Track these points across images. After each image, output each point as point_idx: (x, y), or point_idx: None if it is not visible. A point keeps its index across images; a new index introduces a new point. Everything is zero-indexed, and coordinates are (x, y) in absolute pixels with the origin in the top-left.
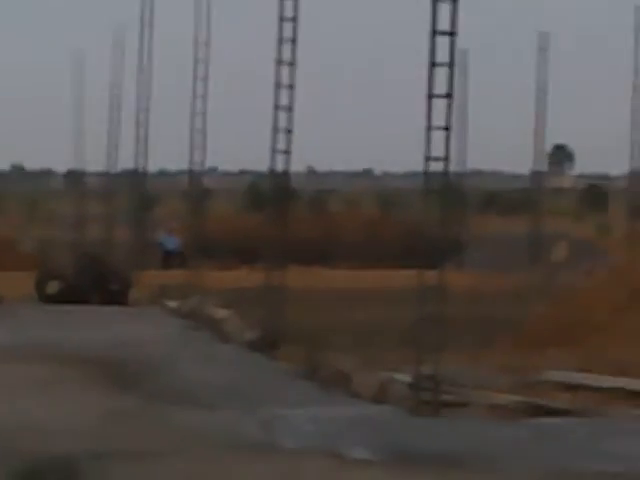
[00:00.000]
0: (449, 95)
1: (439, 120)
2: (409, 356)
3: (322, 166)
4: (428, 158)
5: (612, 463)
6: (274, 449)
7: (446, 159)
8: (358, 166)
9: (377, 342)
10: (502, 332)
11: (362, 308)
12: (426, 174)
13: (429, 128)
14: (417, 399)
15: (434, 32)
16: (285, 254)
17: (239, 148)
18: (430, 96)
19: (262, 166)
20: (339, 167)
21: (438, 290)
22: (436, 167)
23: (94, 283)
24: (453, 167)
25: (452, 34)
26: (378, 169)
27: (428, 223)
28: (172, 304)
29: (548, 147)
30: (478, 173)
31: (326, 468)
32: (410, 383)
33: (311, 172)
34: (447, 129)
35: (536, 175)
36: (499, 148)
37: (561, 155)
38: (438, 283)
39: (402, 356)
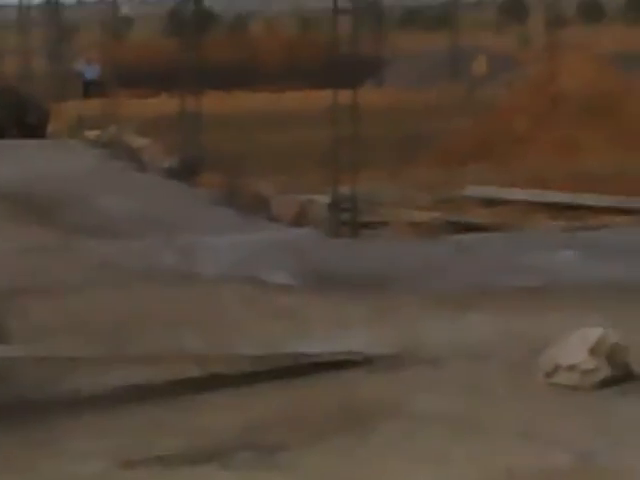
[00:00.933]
0: None
1: None
2: (328, 177)
3: None
4: None
5: (531, 277)
6: (193, 276)
7: None
8: None
9: (296, 165)
10: (422, 148)
11: (281, 131)
12: None
13: None
14: (336, 220)
15: None
16: (202, 79)
17: None
18: None
19: None
20: None
21: (353, 109)
22: None
23: (10, 116)
24: None
25: None
26: None
27: (345, 42)
28: (91, 134)
29: None
30: None
31: (246, 294)
32: (329, 204)
33: None
34: None
35: None
36: None
37: None
38: (353, 102)
39: (321, 178)
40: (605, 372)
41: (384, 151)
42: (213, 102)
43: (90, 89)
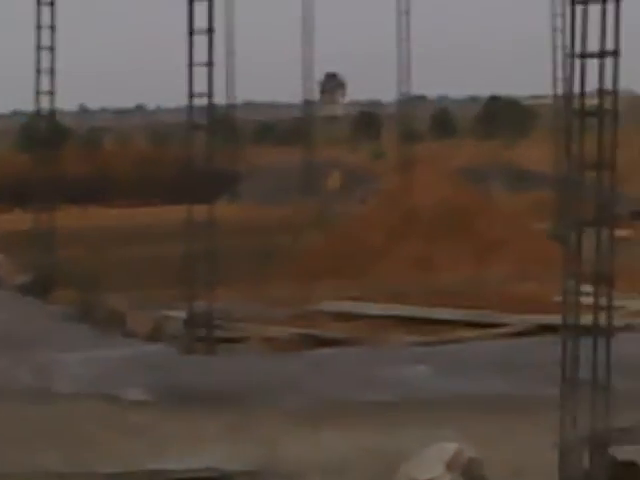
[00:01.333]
0: (210, 30)
1: (202, 56)
2: (184, 293)
3: (94, 104)
4: (192, 94)
5: (385, 392)
6: (48, 394)
7: (210, 94)
8: (130, 103)
9: (152, 280)
10: (278, 264)
11: (136, 246)
12: (190, 109)
13: (191, 64)
14: (192, 336)
15: None
16: (56, 194)
17: (9, 89)
18: (191, 32)
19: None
20: (111, 104)
21: (209, 225)
22: (203, 102)
23: None
24: (222, 100)
25: None
26: (151, 104)
27: (199, 157)
28: None
29: (319, 75)
30: (251, 104)
31: (101, 411)
32: (184, 320)
33: (83, 110)
34: (210, 64)
35: (307, 104)
36: (272, 79)
37: (333, 83)
38: (209, 217)
39: (177, 293)
40: None
41: (240, 267)
42: (67, 217)
43: None
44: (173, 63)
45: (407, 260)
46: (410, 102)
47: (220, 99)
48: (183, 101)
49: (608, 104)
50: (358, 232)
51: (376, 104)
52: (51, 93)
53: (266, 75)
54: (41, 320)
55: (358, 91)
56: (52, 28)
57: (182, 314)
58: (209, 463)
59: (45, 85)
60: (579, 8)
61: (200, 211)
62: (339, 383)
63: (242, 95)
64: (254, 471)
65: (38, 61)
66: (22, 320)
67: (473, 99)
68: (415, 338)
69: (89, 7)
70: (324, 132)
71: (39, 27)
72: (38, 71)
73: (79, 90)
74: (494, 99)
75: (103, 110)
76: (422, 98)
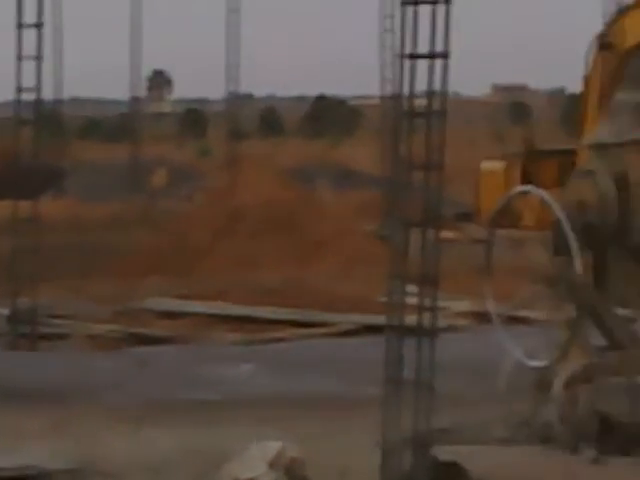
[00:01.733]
0: (39, 25)
1: (30, 50)
2: (7, 290)
3: None
4: (19, 88)
5: (209, 390)
6: None
7: (38, 89)
8: None
9: None
10: (102, 261)
11: None
12: (18, 103)
13: (20, 58)
14: (15, 333)
15: None
16: None
17: None
18: (19, 26)
19: None
20: None
21: (33, 221)
22: (30, 96)
23: None
24: (49, 95)
25: None
26: None
27: (25, 153)
28: None
29: (147, 72)
30: (77, 100)
31: None
32: (7, 317)
33: None
34: (38, 59)
35: (134, 101)
36: (100, 75)
37: (160, 80)
38: (33, 214)
39: (0, 290)
40: None
41: (65, 264)
42: None
43: None
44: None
45: (232, 258)
46: (237, 100)
47: (47, 94)
48: (10, 96)
49: (436, 105)
50: (184, 230)
51: (204, 102)
52: None
53: (94, 71)
54: None
55: (187, 89)
56: None
57: (5, 310)
58: (29, 461)
59: None
60: (409, 9)
61: (24, 207)
62: (163, 381)
63: (69, 91)
64: (75, 469)
65: None
66: None
67: (301, 98)
68: (239, 336)
69: None
70: (151, 129)
71: None
72: None
73: None
74: (321, 99)
75: None
76: (250, 97)
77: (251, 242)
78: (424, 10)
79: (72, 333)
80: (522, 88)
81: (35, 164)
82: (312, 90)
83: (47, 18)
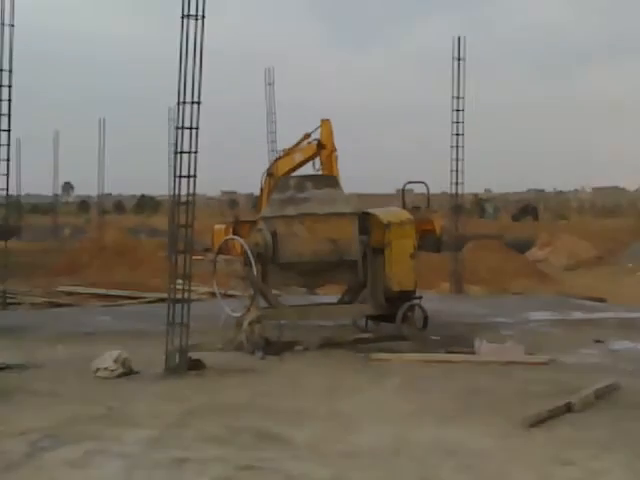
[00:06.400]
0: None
1: None
2: None
3: None
4: None
5: (88, 328)
6: None
7: (7, 189)
8: None
9: None
10: (40, 269)
11: None
12: None
13: None
14: None
15: None
16: None
17: None
18: None
19: None
20: None
21: (3, 249)
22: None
23: None
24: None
25: None
26: None
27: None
28: None
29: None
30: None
31: None
32: None
33: None
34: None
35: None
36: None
37: (67, 186)
38: (4, 246)
39: None
40: (120, 370)
41: (22, 270)
42: None
43: None
44: None
45: (101, 267)
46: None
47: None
48: None
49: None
50: (78, 253)
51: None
52: None
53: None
54: None
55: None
56: None
57: None
58: (3, 360)
59: None
60: None
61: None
62: (66, 324)
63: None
64: (23, 364)
65: None
66: None
67: None
68: (103, 303)
69: None
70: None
71: None
72: None
73: None
74: None
75: None
76: None
77: (108, 261)
78: None
79: (24, 302)
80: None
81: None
82: None
83: None
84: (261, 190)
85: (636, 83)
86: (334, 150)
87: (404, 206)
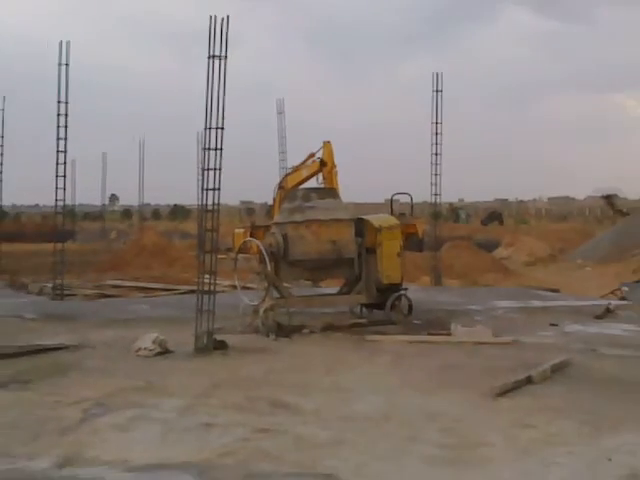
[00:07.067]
0: None
1: None
2: (48, 277)
3: None
4: None
5: (131, 315)
6: None
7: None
8: None
9: None
10: (91, 265)
11: None
12: None
13: None
14: (54, 293)
15: None
16: None
17: None
18: None
19: None
20: None
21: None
22: None
23: None
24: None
25: None
26: None
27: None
28: None
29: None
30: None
31: (15, 322)
32: (52, 287)
33: None
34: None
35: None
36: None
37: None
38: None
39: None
40: (157, 350)
41: (73, 267)
42: None
43: None
44: None
45: (141, 265)
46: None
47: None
48: None
49: None
50: (123, 253)
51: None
52: None
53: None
54: None
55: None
56: None
57: (50, 284)
58: (60, 341)
59: None
60: None
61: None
62: (112, 312)
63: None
64: (77, 345)
65: None
66: None
67: None
68: (143, 295)
69: None
70: (110, 215)
71: None
72: None
73: None
74: None
75: None
76: None
77: (147, 259)
78: None
79: (77, 293)
80: None
81: (62, 229)
82: None
83: None
84: (274, 200)
85: (581, 110)
86: (334, 167)
87: (392, 213)
